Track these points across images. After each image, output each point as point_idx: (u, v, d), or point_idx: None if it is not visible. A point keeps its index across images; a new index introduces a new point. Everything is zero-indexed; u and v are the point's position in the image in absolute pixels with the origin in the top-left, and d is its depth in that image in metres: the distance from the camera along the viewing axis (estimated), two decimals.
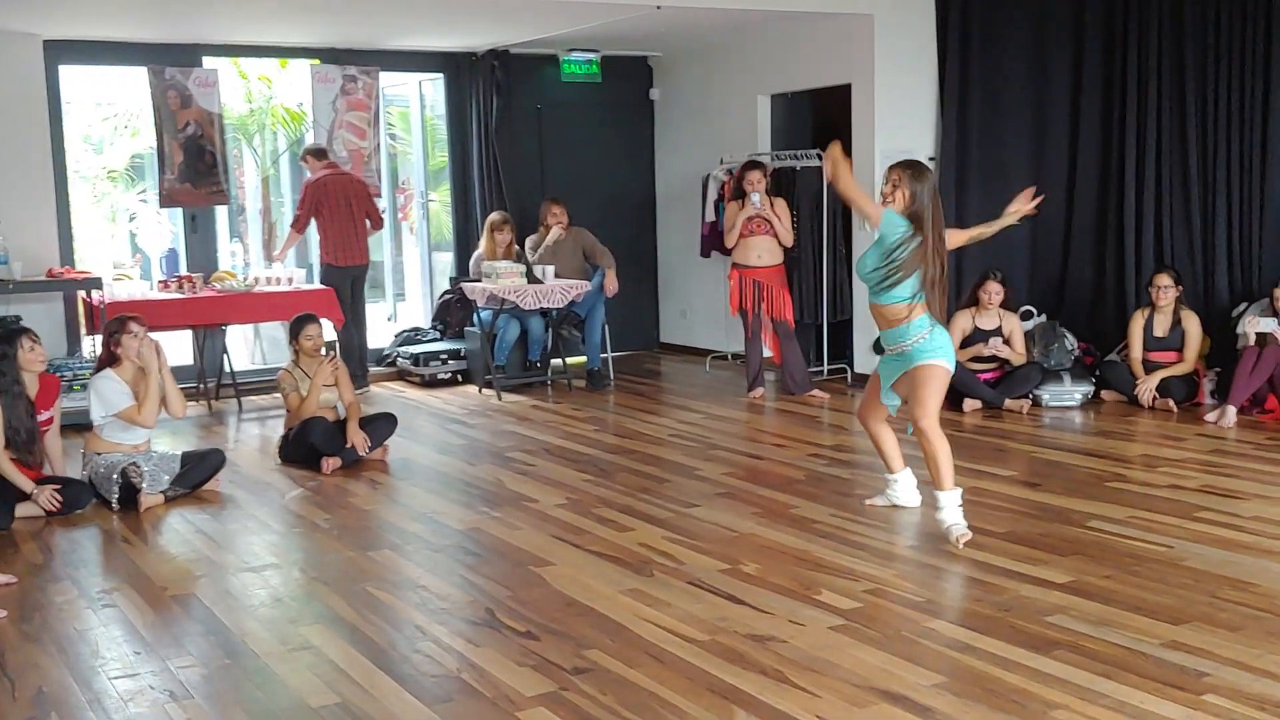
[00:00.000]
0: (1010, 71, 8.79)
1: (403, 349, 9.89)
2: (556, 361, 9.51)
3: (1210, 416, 7.25)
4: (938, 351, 5.06)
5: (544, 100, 10.49)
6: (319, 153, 9.21)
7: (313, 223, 9.06)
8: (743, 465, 6.61)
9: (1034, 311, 8.50)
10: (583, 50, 10.19)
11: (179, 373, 8.04)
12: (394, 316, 11.76)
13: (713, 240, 9.69)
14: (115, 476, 5.93)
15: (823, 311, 9.19)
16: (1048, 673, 3.65)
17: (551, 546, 5.15)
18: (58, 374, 7.20)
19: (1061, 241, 8.68)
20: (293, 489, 6.38)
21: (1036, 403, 7.85)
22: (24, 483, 5.78)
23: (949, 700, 3.47)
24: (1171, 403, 7.60)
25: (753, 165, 8.40)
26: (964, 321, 8.00)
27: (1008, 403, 7.75)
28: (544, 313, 9.17)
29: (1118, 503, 5.51)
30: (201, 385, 8.91)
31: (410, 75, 10.59)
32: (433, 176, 11.15)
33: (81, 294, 8.32)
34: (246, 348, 10.48)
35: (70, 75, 9.24)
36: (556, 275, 9.04)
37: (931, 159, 8.99)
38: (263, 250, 11.11)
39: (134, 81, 9.72)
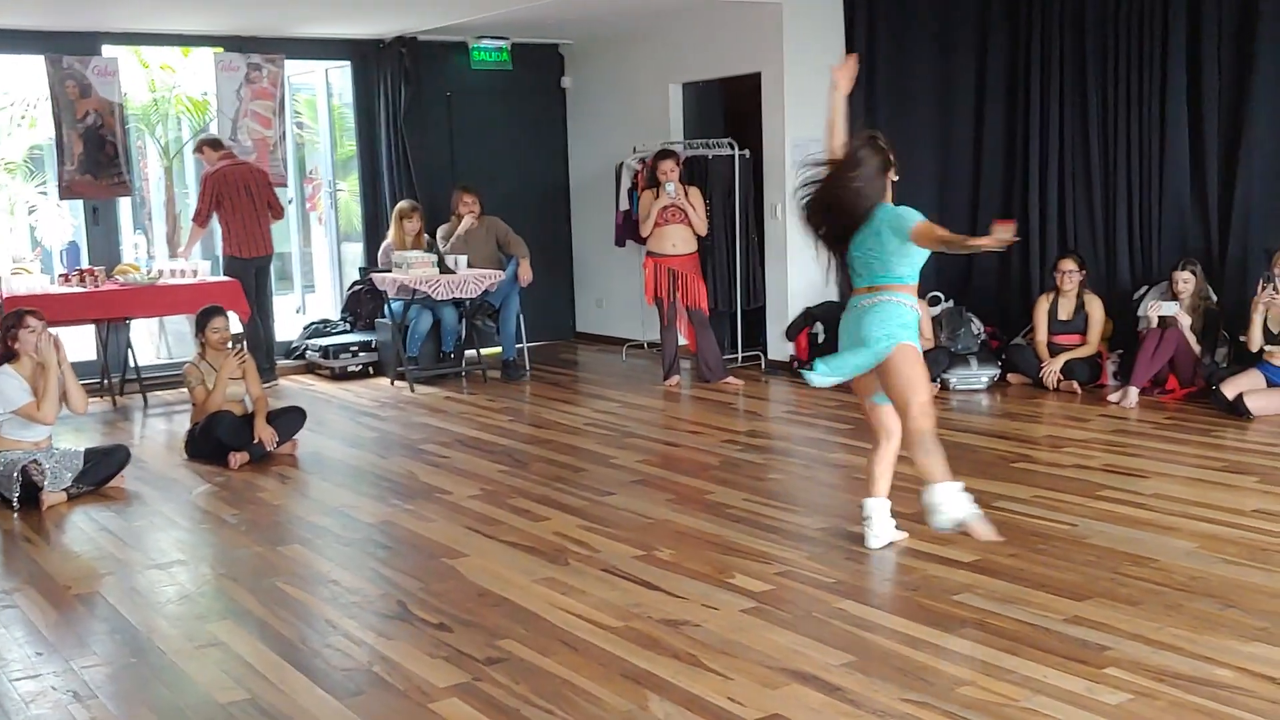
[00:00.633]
0: (917, 60, 8.91)
1: (312, 341, 9.76)
2: (470, 352, 9.45)
3: (1113, 397, 7.41)
4: (906, 333, 4.65)
5: (454, 88, 10.40)
6: (215, 143, 9.03)
7: (214, 215, 8.90)
8: (658, 453, 6.63)
9: (941, 297, 8.62)
10: (493, 38, 10.13)
11: (81, 368, 7.87)
12: (303, 308, 11.62)
13: (627, 229, 9.70)
14: (15, 475, 5.78)
15: (736, 299, 9.23)
16: (954, 650, 3.71)
17: (465, 538, 5.13)
18: None
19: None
20: (200, 485, 6.27)
21: (944, 386, 7.98)
22: None
23: (858, 679, 3.52)
24: (1076, 384, 7.76)
25: (665, 154, 8.41)
26: None
27: None
28: (457, 303, 9.11)
29: (1023, 483, 5.62)
30: (105, 380, 8.72)
31: (316, 63, 10.45)
32: (341, 166, 11.02)
33: None
34: (151, 342, 10.28)
35: None
36: (469, 265, 8.99)
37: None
38: (167, 242, 10.90)
39: (31, 70, 9.47)
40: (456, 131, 10.48)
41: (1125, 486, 5.54)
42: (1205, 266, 7.61)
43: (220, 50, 9.51)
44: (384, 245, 9.44)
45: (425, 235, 9.37)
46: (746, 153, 9.13)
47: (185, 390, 7.05)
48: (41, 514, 5.73)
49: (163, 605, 4.46)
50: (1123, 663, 3.57)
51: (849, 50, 8.92)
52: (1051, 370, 7.79)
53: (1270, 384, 6.93)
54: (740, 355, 9.36)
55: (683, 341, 8.95)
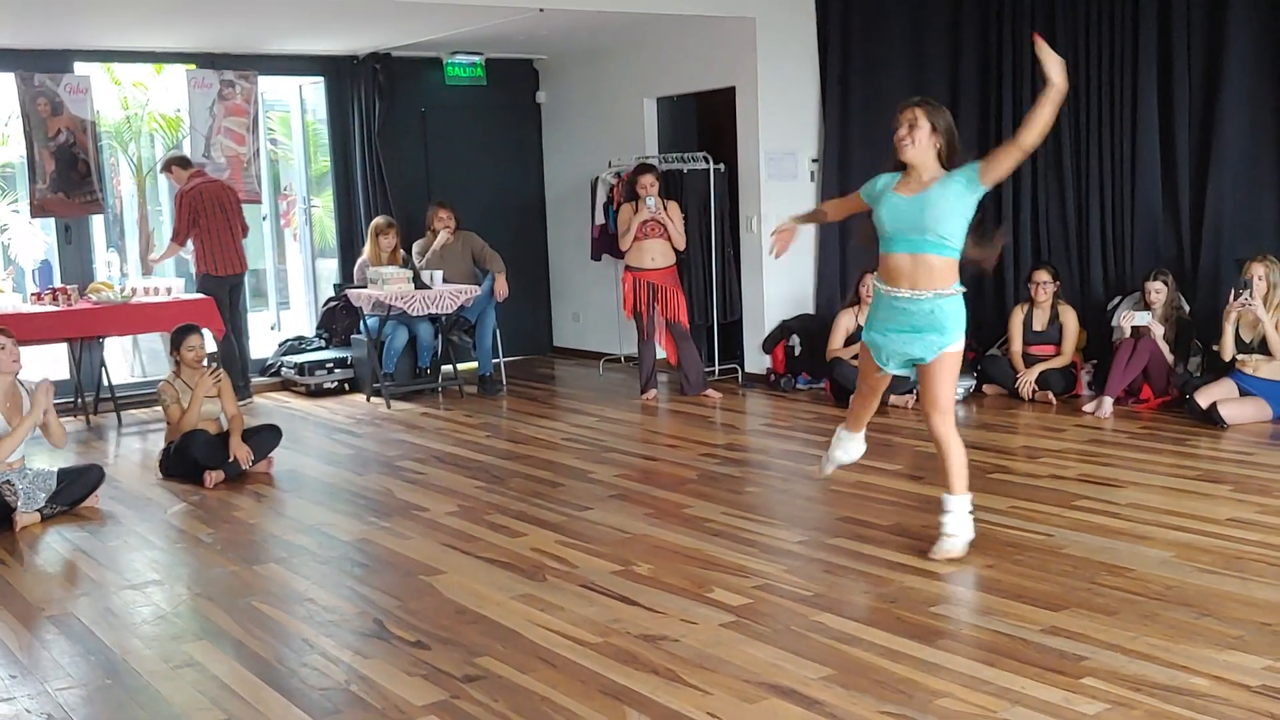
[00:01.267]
0: (889, 74, 8.95)
1: (287, 358, 9.72)
2: (447, 368, 9.43)
3: (1088, 407, 7.45)
4: (958, 327, 4.63)
5: (428, 103, 10.40)
6: (183, 161, 8.99)
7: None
8: (636, 467, 6.62)
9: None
10: (466, 53, 10.13)
11: (55, 388, 7.82)
12: (278, 325, 11.56)
13: (603, 243, 9.71)
14: None
15: (713, 312, 9.25)
16: (932, 662, 3.72)
17: (442, 555, 5.11)
18: None
19: None
20: (175, 504, 6.23)
21: (919, 397, 7.98)
22: None
23: (837, 692, 3.52)
24: (1051, 395, 7.80)
25: (645, 169, 8.41)
26: (847, 320, 8.12)
27: (893, 398, 7.88)
28: (433, 318, 9.09)
29: (999, 493, 5.64)
30: (79, 400, 8.67)
31: (290, 79, 10.43)
32: (315, 182, 11.00)
33: None
34: (125, 360, 10.22)
35: None
36: (445, 280, 8.97)
37: (815, 160, 9.12)
38: (140, 260, 10.85)
39: (1, 88, 9.41)
40: (431, 147, 10.48)
41: (1101, 496, 5.56)
42: (1177, 276, 7.67)
43: (193, 67, 9.48)
44: (360, 261, 9.42)
45: (401, 251, 9.35)
46: (721, 166, 9.15)
47: (160, 409, 7.00)
48: (14, 535, 5.68)
49: (138, 626, 4.43)
50: (1099, 672, 3.58)
51: (822, 63, 8.98)
52: (1027, 381, 7.83)
53: (1243, 393, 6.98)
54: (717, 368, 9.37)
55: (661, 355, 8.95)
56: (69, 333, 8.37)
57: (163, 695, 3.76)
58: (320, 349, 9.89)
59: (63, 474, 6.10)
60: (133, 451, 7.75)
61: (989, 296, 8.66)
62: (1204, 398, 6.96)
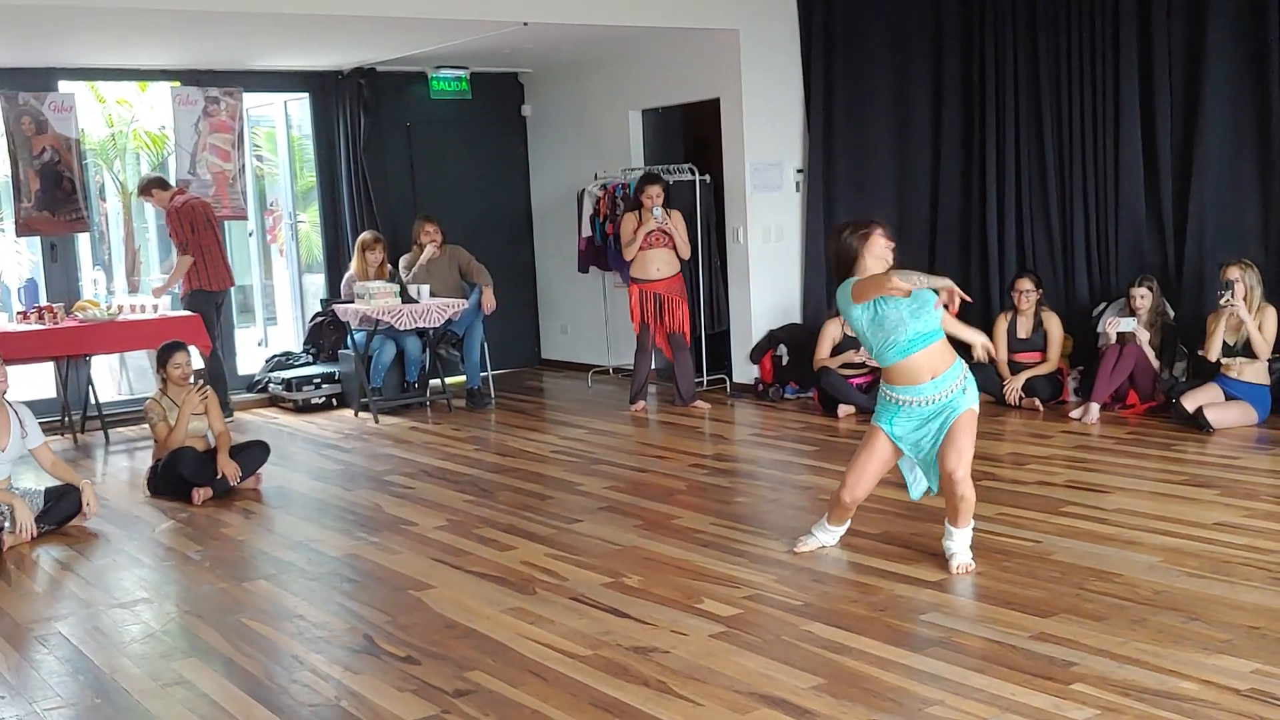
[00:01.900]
0: (873, 83, 8.99)
1: (274, 374, 9.70)
2: (435, 382, 9.42)
3: (1075, 414, 7.48)
4: (975, 389, 4.77)
5: (413, 118, 10.41)
6: (162, 182, 8.98)
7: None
8: (625, 479, 6.62)
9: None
10: (451, 67, 10.14)
11: (41, 406, 7.81)
12: (264, 341, 11.56)
13: (590, 255, 9.72)
14: None
15: (700, 323, 9.26)
16: (923, 670, 3.72)
17: (431, 569, 5.10)
18: None
19: (927, 248, 8.89)
20: (163, 521, 6.22)
21: None
22: None
23: (828, 702, 3.52)
24: (1037, 401, 7.82)
25: (652, 179, 8.36)
26: (833, 329, 8.15)
27: None
28: (420, 332, 9.09)
29: (987, 500, 5.64)
30: (66, 418, 8.63)
31: (275, 95, 10.43)
32: (301, 197, 11.00)
33: None
34: (112, 378, 10.20)
35: None
36: (432, 294, 8.97)
37: (800, 171, 9.15)
38: (126, 278, 10.83)
39: None
40: (417, 161, 10.48)
41: (1088, 502, 5.58)
42: (1161, 282, 7.70)
43: (177, 84, 9.48)
44: (347, 276, 9.42)
45: (388, 266, 9.35)
46: (707, 177, 9.17)
47: (147, 426, 6.99)
48: (2, 554, 5.65)
49: (127, 644, 4.41)
50: (1089, 678, 3.59)
51: (806, 74, 9.01)
52: (1013, 388, 7.86)
53: (1229, 397, 7.01)
54: (705, 379, 9.38)
55: (654, 367, 8.94)
56: (55, 351, 8.34)
57: (152, 714, 3.74)
58: (308, 364, 9.87)
59: (49, 493, 6.08)
60: (120, 470, 7.73)
61: (974, 305, 8.65)
62: (1190, 402, 6.98)
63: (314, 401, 9.39)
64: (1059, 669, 3.67)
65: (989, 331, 8.17)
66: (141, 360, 9.78)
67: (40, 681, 4.07)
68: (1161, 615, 4.08)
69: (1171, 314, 7.72)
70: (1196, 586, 4.35)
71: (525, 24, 7.95)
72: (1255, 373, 7.01)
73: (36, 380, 9.21)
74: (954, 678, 3.65)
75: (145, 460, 7.37)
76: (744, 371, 9.18)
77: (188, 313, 8.70)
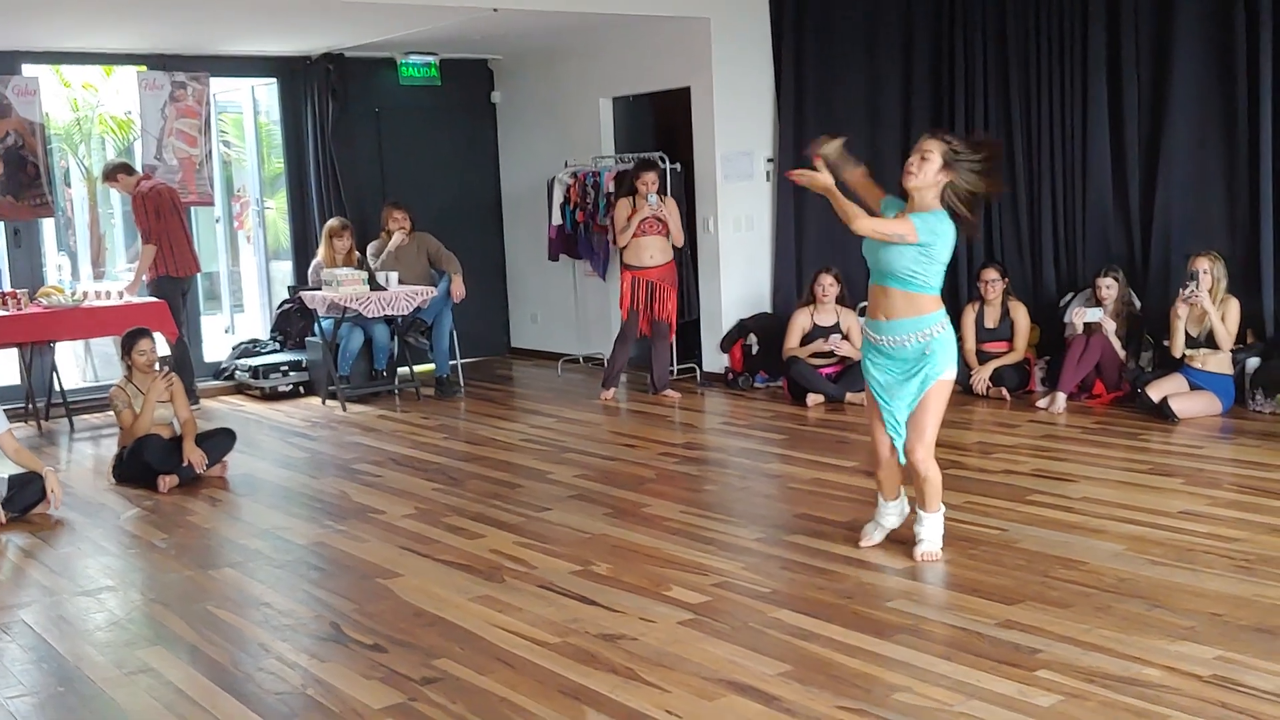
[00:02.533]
0: (843, 73, 9.00)
1: (241, 361, 9.64)
2: (403, 370, 9.38)
3: (1041, 403, 7.52)
4: (951, 358, 4.60)
5: (382, 104, 10.35)
6: (127, 167, 8.88)
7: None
8: (595, 467, 6.62)
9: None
10: (421, 53, 10.09)
11: (5, 393, 7.74)
12: (231, 328, 11.48)
13: (560, 244, 9.70)
14: None
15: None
16: (889, 656, 3.74)
17: (399, 558, 5.08)
18: None
19: None
20: (129, 509, 6.17)
21: None
22: None
23: (795, 688, 3.54)
24: (1004, 391, 7.87)
25: (648, 165, 8.29)
26: (803, 319, 8.17)
27: (849, 396, 7.92)
28: (389, 320, 9.04)
29: (954, 489, 5.66)
30: (30, 405, 8.55)
31: (242, 80, 10.34)
32: (268, 183, 10.91)
33: None
34: (77, 365, 10.10)
35: None
36: (400, 281, 8.93)
37: (770, 160, 9.15)
38: (91, 264, 10.73)
39: None
40: (386, 148, 10.43)
41: (1054, 491, 5.62)
42: (1128, 273, 7.76)
43: (144, 69, 9.39)
44: (314, 263, 9.36)
45: (356, 253, 9.30)
46: (678, 166, 9.16)
47: (112, 414, 6.93)
48: None
49: (91, 633, 4.38)
50: (1054, 665, 3.62)
51: (776, 64, 9.01)
52: (980, 377, 7.90)
53: (1193, 387, 7.07)
54: (676, 368, 9.38)
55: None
56: (19, 337, 8.26)
57: (116, 702, 3.72)
58: (275, 352, 9.81)
59: (12, 480, 6.02)
60: (85, 457, 7.66)
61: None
62: (1155, 392, 7.04)
63: (281, 389, 9.34)
64: (1024, 656, 3.70)
65: (955, 322, 8.22)
66: (106, 347, 9.68)
67: (3, 670, 4.04)
68: (1125, 603, 4.12)
69: (1138, 304, 7.78)
70: (1160, 574, 4.39)
71: (495, 10, 7.91)
72: (1219, 363, 7.07)
73: (0, 366, 9.11)
74: (920, 664, 3.67)
75: (110, 448, 7.31)
76: (714, 360, 9.18)
77: (153, 299, 8.62)
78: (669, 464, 6.61)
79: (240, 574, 4.99)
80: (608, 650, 3.90)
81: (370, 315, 8.65)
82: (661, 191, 8.61)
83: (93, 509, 6.20)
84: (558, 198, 9.62)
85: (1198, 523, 5.01)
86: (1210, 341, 7.05)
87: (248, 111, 10.75)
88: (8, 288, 8.78)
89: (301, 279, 9.87)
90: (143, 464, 6.49)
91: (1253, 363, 7.19)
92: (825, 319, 8.15)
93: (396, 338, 9.21)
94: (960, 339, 8.08)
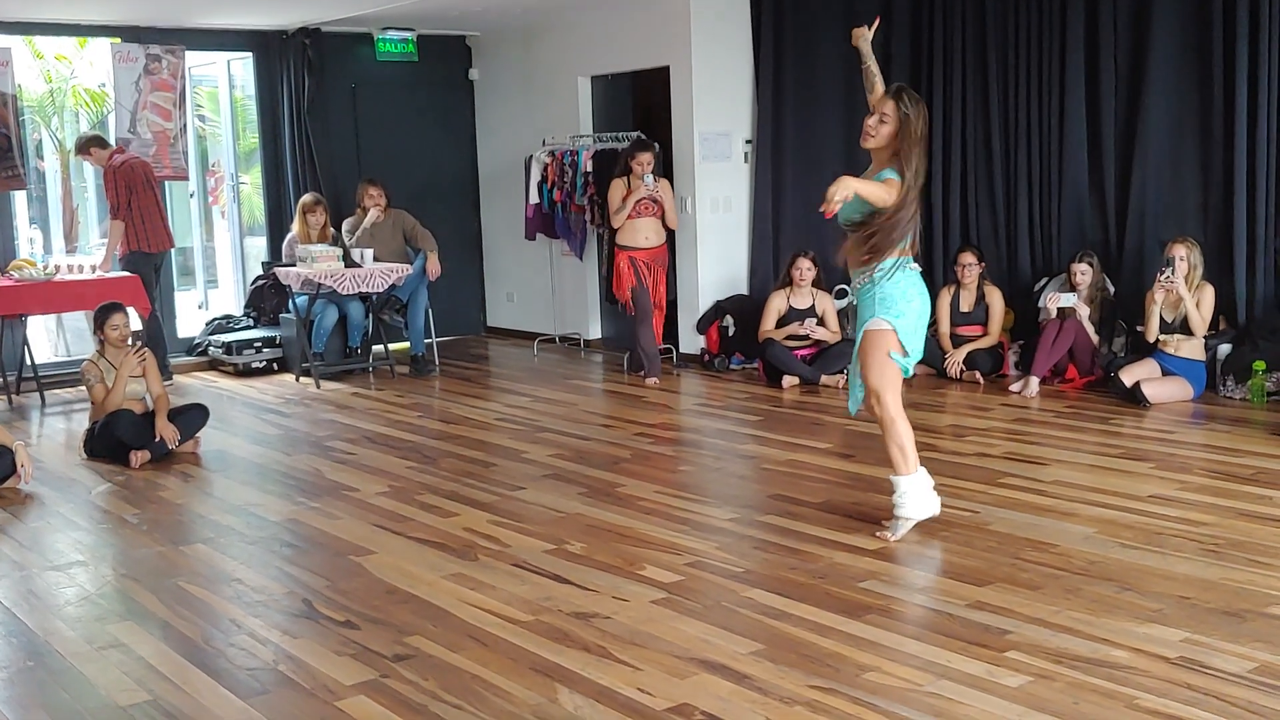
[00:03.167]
0: (822, 53, 8.99)
1: (215, 337, 9.59)
2: (378, 348, 9.35)
3: (1015, 387, 7.56)
4: (888, 305, 4.63)
5: (359, 80, 10.29)
6: (100, 140, 8.78)
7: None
8: (570, 447, 6.61)
9: (847, 290, 8.71)
10: (398, 29, 10.03)
11: None
12: (205, 304, 11.41)
13: (537, 223, 9.67)
14: None
15: None
16: (860, 636, 3.76)
17: (372, 535, 5.08)
18: None
19: None
20: (100, 484, 6.14)
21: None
22: None
23: (766, 667, 3.55)
24: (978, 374, 7.90)
25: (644, 146, 8.24)
26: (779, 301, 8.18)
27: (824, 378, 7.95)
28: (364, 297, 9.01)
29: (927, 471, 5.69)
30: (1, 379, 8.49)
31: (218, 54, 10.27)
32: (243, 158, 10.84)
33: None
34: (49, 339, 10.03)
35: None
36: (376, 259, 8.89)
37: (749, 141, 9.15)
38: (64, 237, 10.64)
39: None
40: (362, 123, 10.37)
41: (1026, 474, 5.65)
42: (1103, 259, 7.80)
43: (118, 41, 9.29)
44: (288, 238, 9.31)
45: (330, 229, 9.25)
46: (656, 146, 9.13)
47: (84, 388, 6.89)
48: None
49: (61, 608, 4.36)
50: (1023, 646, 3.64)
51: (755, 44, 8.99)
52: (954, 361, 7.93)
53: (1166, 372, 7.11)
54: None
55: (605, 335, 8.91)
56: None
57: (86, 677, 3.70)
58: (248, 328, 9.77)
59: None
60: (56, 431, 7.61)
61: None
62: (1128, 377, 7.08)
63: (254, 365, 9.30)
64: (994, 637, 3.72)
65: (932, 305, 8.25)
66: (79, 321, 9.62)
67: None
68: (1095, 585, 4.15)
69: (1112, 290, 7.82)
70: (1130, 557, 4.43)
71: None
72: (1192, 349, 7.12)
73: None
74: (891, 644, 3.69)
75: (82, 422, 7.27)
76: (690, 342, 9.19)
77: (126, 274, 8.56)
78: (644, 444, 6.62)
79: (212, 550, 4.97)
80: (580, 628, 3.91)
81: (345, 292, 8.61)
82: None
83: (64, 484, 6.16)
84: (535, 176, 9.59)
85: (1168, 507, 5.05)
86: (1184, 327, 7.10)
87: (223, 86, 10.67)
88: None
89: (276, 255, 9.82)
90: (114, 439, 6.46)
91: (1224, 349, 7.24)
92: (801, 302, 8.16)
93: (371, 315, 9.18)
94: (935, 322, 8.14)
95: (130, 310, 7.14)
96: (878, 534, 4.74)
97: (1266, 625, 3.75)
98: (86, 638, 4.03)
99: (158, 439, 6.49)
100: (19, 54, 9.21)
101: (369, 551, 4.84)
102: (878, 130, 4.65)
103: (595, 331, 10.14)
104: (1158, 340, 7.17)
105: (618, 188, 8.25)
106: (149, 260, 8.73)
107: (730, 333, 8.83)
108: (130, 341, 6.76)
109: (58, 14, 8.85)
